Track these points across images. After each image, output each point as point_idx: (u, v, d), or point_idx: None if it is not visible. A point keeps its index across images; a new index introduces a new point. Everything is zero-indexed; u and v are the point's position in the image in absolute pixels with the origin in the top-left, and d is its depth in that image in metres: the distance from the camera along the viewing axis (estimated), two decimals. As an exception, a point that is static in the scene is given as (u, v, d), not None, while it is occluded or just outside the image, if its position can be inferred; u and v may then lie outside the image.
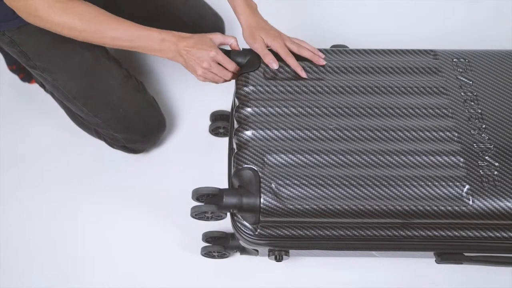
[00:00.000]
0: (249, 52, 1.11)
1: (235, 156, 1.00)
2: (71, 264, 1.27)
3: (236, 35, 1.55)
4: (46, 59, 1.23)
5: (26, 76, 1.49)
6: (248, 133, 1.02)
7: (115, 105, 1.28)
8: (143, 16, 1.43)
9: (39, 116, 1.46)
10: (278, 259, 1.08)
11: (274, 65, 1.08)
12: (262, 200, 0.95)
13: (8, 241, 1.29)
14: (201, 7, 1.49)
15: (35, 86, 1.48)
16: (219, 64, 1.09)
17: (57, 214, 1.32)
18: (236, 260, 1.25)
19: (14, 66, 1.47)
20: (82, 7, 1.07)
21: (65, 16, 1.05)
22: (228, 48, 1.13)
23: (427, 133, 1.02)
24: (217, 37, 1.11)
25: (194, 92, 1.51)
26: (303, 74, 1.07)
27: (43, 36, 1.18)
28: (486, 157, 1.00)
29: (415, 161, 0.99)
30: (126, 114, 1.30)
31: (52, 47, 1.21)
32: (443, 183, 0.97)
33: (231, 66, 1.10)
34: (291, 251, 1.09)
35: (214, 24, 1.51)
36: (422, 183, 0.97)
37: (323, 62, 1.09)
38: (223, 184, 1.15)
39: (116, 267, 1.26)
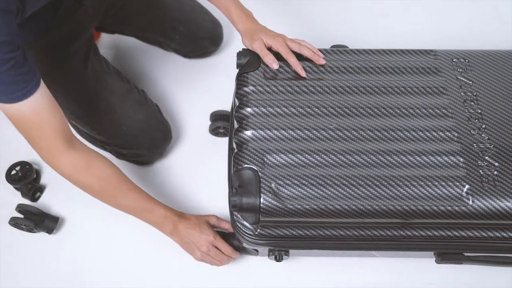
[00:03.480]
0: (249, 52, 1.11)
1: (235, 156, 1.00)
2: (72, 264, 1.27)
3: (236, 38, 1.56)
4: (45, 83, 1.20)
5: None
6: (248, 133, 1.02)
7: (118, 123, 1.27)
8: (140, 28, 1.43)
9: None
10: (278, 259, 1.08)
11: (274, 65, 1.07)
12: (262, 200, 0.95)
13: (8, 242, 1.30)
14: (198, 14, 1.47)
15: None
16: (216, 247, 1.15)
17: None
18: (236, 260, 1.25)
19: None
20: (103, 170, 1.07)
21: (86, 176, 1.05)
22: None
23: (427, 133, 1.02)
24: (212, 220, 1.18)
25: (194, 92, 1.51)
26: (303, 73, 1.07)
27: (40, 60, 1.14)
28: (486, 157, 1.00)
29: (415, 161, 0.99)
30: (129, 132, 1.28)
31: (50, 71, 1.17)
32: (443, 183, 0.97)
33: (228, 250, 1.16)
34: (291, 251, 1.09)
35: (211, 31, 1.50)
36: (422, 183, 0.97)
37: (323, 62, 1.09)
38: (222, 183, 1.15)
39: (116, 267, 1.26)
